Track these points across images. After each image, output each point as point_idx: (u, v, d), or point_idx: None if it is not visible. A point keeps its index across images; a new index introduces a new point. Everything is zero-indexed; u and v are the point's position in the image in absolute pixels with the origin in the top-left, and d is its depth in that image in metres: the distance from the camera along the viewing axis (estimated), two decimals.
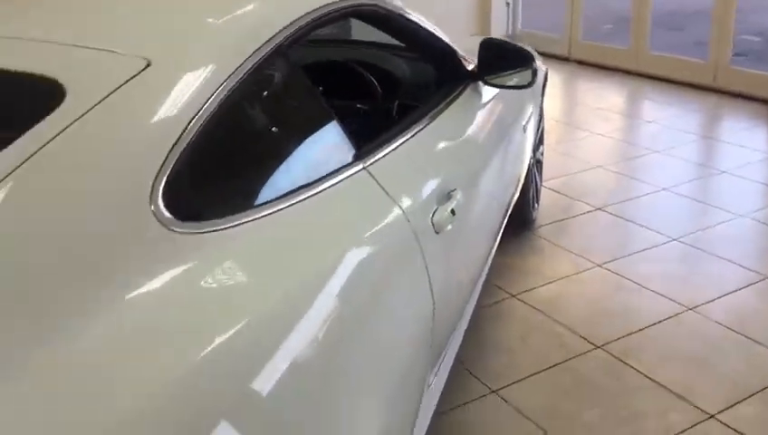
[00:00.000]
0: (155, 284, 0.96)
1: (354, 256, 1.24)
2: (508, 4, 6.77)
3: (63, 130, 1.01)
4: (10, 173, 0.94)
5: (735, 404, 2.15)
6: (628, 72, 5.91)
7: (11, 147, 0.98)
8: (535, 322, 2.61)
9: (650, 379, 2.28)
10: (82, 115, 1.04)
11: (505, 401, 2.20)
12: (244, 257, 1.09)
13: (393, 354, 1.27)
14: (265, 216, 1.16)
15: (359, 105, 2.04)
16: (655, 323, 2.56)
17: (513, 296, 2.77)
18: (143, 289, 0.94)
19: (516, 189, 2.71)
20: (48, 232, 0.93)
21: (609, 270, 2.94)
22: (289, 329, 1.05)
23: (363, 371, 1.16)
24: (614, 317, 2.61)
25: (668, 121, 4.84)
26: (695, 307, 2.65)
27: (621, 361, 2.37)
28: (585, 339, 2.48)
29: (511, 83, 2.13)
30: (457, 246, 1.72)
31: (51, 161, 0.98)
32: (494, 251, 2.38)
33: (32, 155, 0.96)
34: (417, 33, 2.00)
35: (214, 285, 1.02)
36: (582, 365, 2.36)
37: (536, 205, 3.34)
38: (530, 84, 2.11)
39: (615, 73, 5.96)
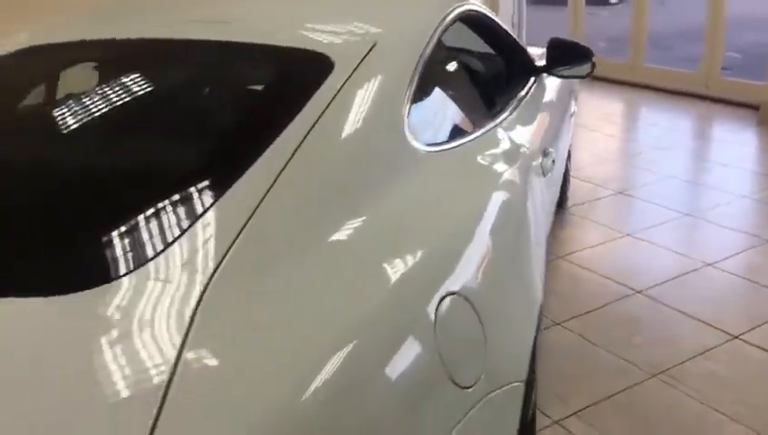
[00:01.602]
0: (411, 180, 1.47)
1: (513, 175, 1.77)
2: (514, 24, 7.39)
3: (342, 85, 1.52)
4: (323, 112, 1.43)
5: (753, 328, 2.70)
6: (626, 84, 6.54)
7: (315, 96, 1.47)
8: (581, 275, 3.16)
9: (683, 313, 2.82)
10: (349, 77, 1.55)
11: (570, 331, 2.73)
12: (457, 171, 1.61)
13: (539, 241, 1.81)
14: (458, 146, 1.69)
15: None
16: (681, 275, 3.11)
17: (560, 257, 3.32)
18: (406, 184, 1.45)
19: (566, 164, 3.27)
20: (347, 150, 1.43)
21: (636, 238, 3.49)
22: (490, 218, 1.56)
23: (531, 248, 1.70)
24: (647, 271, 3.16)
25: (669, 124, 5.45)
26: (712, 263, 3.20)
27: (658, 301, 2.91)
28: (625, 286, 3.03)
29: (573, 74, 2.68)
30: (550, 188, 2.26)
31: (342, 105, 1.48)
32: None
33: (332, 100, 1.47)
34: (503, 35, 2.55)
35: (445, 186, 1.53)
36: (626, 305, 2.90)
37: (569, 187, 3.90)
38: (589, 74, 2.66)
39: (614, 85, 6.58)
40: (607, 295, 2.97)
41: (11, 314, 1.02)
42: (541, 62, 2.69)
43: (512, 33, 2.63)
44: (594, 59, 2.65)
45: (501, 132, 1.95)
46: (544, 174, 2.09)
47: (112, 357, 0.94)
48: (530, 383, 1.45)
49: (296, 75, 1.59)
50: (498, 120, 1.99)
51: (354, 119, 1.48)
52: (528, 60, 2.69)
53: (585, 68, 2.64)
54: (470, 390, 1.19)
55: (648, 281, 3.06)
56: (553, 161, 2.14)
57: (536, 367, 1.67)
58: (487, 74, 2.56)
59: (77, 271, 1.12)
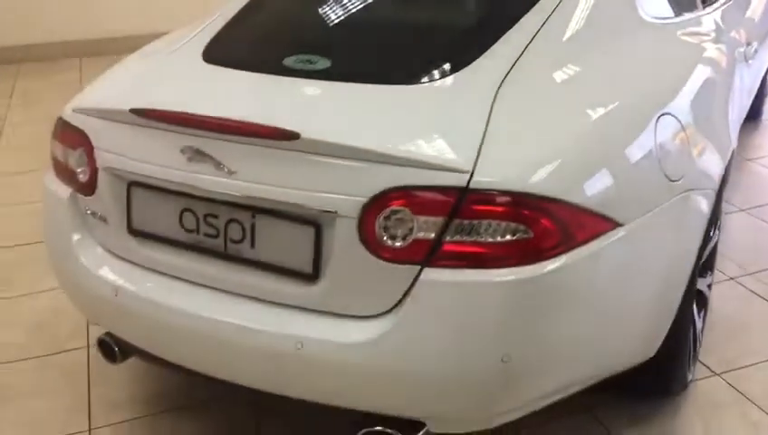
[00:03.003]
0: (640, 40, 1.90)
1: (720, 49, 2.16)
2: None
3: None
4: None
5: None
6: None
7: None
8: (764, 175, 3.44)
9: None
10: None
11: (753, 216, 3.07)
12: (677, 37, 2.04)
13: (735, 107, 2.21)
14: (679, 22, 2.10)
15: None
16: None
17: (748, 160, 3.59)
18: (636, 42, 1.89)
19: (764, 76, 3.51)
20: (593, 13, 1.88)
21: None
22: (698, 73, 1.96)
23: (728, 105, 2.11)
24: None
25: None
26: None
27: None
28: None
29: None
30: (750, 71, 2.60)
31: None
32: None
33: None
34: None
35: (666, 46, 1.97)
36: None
37: (765, 100, 4.10)
38: None
39: None
40: None
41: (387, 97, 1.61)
42: None
43: None
44: None
45: (711, 19, 2.32)
46: (746, 60, 2.44)
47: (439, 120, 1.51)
48: (719, 196, 1.90)
49: None
50: (710, 10, 2.36)
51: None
52: None
53: None
54: (675, 182, 1.65)
55: None
56: (755, 51, 2.48)
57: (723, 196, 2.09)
58: None
59: (420, 72, 1.67)
